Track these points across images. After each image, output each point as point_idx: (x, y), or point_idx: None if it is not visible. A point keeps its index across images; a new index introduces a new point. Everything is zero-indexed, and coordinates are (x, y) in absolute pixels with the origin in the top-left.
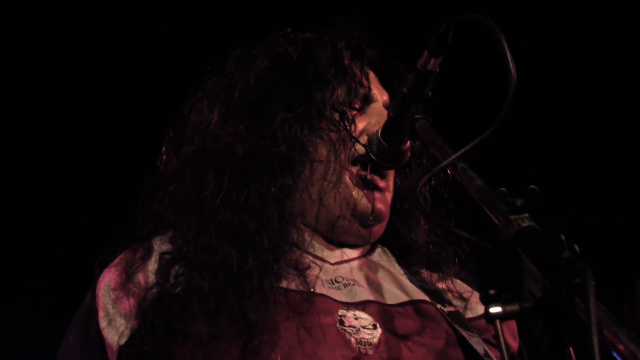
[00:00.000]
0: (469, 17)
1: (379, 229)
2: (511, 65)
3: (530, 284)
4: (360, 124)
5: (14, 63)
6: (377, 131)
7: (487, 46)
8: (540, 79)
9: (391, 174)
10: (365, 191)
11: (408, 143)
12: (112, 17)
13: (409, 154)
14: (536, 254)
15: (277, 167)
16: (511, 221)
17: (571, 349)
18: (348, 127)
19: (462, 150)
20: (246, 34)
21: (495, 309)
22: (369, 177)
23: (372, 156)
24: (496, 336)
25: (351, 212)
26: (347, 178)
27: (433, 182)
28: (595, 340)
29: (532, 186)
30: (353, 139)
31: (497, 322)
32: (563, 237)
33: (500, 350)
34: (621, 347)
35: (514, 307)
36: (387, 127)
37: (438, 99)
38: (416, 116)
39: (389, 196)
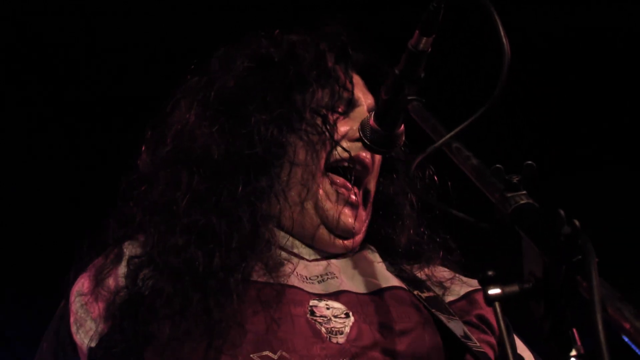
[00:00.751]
0: None
1: (356, 241)
2: (505, 42)
3: (530, 264)
4: (343, 128)
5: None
6: (369, 115)
7: (480, 24)
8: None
9: (372, 181)
10: (340, 206)
11: (402, 126)
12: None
13: (403, 138)
14: (535, 232)
15: (252, 169)
16: (508, 199)
17: (575, 331)
18: (329, 131)
19: (456, 130)
20: (236, 33)
21: (494, 291)
22: (342, 190)
23: (365, 141)
24: (497, 321)
25: (328, 223)
26: (322, 190)
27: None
28: (598, 318)
29: (529, 162)
30: (334, 142)
31: (496, 304)
32: (562, 212)
33: (500, 331)
34: (627, 325)
35: (514, 288)
36: (380, 110)
37: (431, 80)
38: (409, 97)
39: (363, 211)
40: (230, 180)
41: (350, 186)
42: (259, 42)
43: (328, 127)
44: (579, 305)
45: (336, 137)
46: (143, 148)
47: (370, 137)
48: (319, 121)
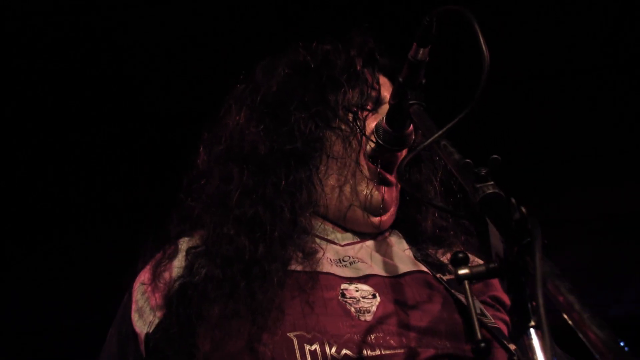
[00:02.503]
0: (447, 7)
1: (387, 219)
2: (485, 51)
3: (495, 246)
4: (373, 123)
5: None
6: (382, 119)
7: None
8: None
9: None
10: (376, 185)
11: (411, 127)
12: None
13: (413, 137)
14: (498, 218)
15: (293, 162)
16: (477, 189)
17: (534, 304)
18: (359, 126)
19: (442, 130)
20: (277, 46)
21: (463, 271)
22: (378, 170)
23: (379, 141)
24: (466, 296)
25: (361, 203)
26: (360, 172)
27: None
28: (539, 292)
29: (495, 156)
30: (363, 136)
31: (466, 282)
32: (513, 200)
33: (468, 307)
34: (561, 299)
35: (481, 269)
36: (390, 114)
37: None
38: (410, 102)
39: (395, 190)
40: (274, 174)
41: (381, 170)
42: (296, 51)
43: (359, 122)
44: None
45: (366, 131)
46: (200, 148)
47: (382, 138)
48: (350, 117)
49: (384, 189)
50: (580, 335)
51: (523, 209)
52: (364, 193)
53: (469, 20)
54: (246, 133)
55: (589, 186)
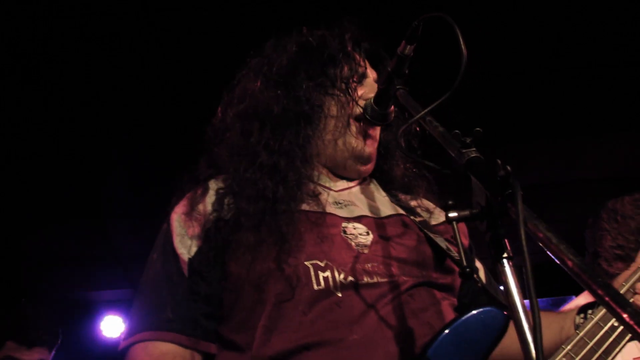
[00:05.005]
0: (433, 14)
1: (370, 167)
2: (463, 48)
3: (477, 197)
4: (359, 92)
5: None
6: (371, 99)
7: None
8: None
9: (378, 129)
10: (362, 139)
11: (392, 107)
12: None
13: (393, 115)
14: (481, 175)
15: (302, 121)
16: (463, 154)
17: (506, 240)
18: (351, 93)
19: (429, 108)
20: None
21: (452, 214)
22: (364, 128)
23: (367, 117)
24: (454, 234)
25: (351, 153)
26: (350, 130)
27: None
28: (522, 230)
29: (478, 128)
30: (355, 102)
31: (454, 223)
32: (499, 161)
33: (456, 242)
34: (540, 235)
35: (466, 213)
36: (378, 96)
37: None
38: (397, 87)
39: (376, 144)
40: (288, 130)
41: (366, 126)
42: (301, 34)
43: (350, 91)
44: (509, 223)
45: (355, 97)
46: (219, 108)
47: (370, 114)
48: (344, 87)
49: (368, 142)
50: (559, 262)
51: (508, 167)
52: (354, 145)
53: (450, 24)
54: (263, 96)
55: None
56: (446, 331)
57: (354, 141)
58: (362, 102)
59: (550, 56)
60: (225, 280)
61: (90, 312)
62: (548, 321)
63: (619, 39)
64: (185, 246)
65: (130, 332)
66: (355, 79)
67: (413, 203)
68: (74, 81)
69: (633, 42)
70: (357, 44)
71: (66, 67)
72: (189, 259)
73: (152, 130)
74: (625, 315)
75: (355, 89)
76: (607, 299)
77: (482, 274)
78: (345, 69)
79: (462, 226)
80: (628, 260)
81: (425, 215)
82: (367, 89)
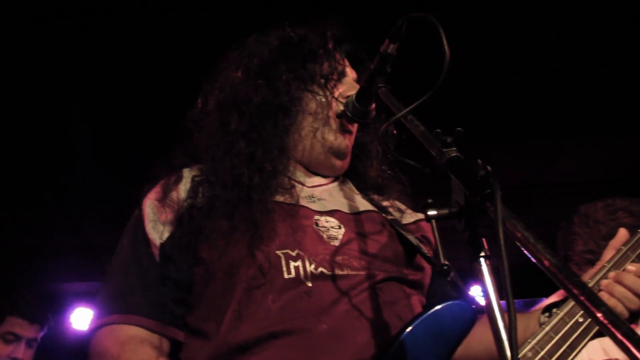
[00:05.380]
0: (416, 14)
1: (345, 163)
2: (446, 48)
3: (456, 196)
4: (338, 89)
5: None
6: (352, 96)
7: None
8: None
9: (356, 126)
10: (339, 134)
11: (374, 105)
12: None
13: (374, 113)
14: (461, 174)
15: (280, 113)
16: (444, 153)
17: (484, 239)
18: (330, 90)
19: (411, 107)
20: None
21: (431, 212)
22: (342, 124)
23: (348, 114)
24: (432, 232)
25: (328, 147)
26: (328, 125)
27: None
28: (500, 229)
29: (459, 128)
30: (335, 98)
31: (433, 221)
32: (480, 161)
33: (434, 238)
34: (518, 234)
35: (445, 211)
36: (360, 94)
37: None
38: (379, 85)
39: (352, 139)
40: (267, 120)
41: (345, 122)
42: (283, 29)
43: (329, 87)
44: (487, 223)
45: (335, 94)
46: (199, 99)
47: (351, 111)
48: (323, 83)
49: (346, 137)
50: (535, 262)
51: (488, 167)
52: (331, 139)
53: (434, 24)
54: (243, 87)
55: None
56: (419, 319)
57: (331, 136)
58: (341, 100)
59: (525, 59)
60: (197, 266)
61: (60, 304)
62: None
63: (593, 43)
64: (158, 231)
65: (98, 316)
66: (334, 77)
67: (385, 203)
68: (41, 67)
69: (608, 46)
70: (338, 44)
71: (30, 52)
72: (161, 244)
73: (123, 120)
74: (599, 315)
75: (334, 86)
76: (582, 298)
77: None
78: (325, 65)
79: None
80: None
81: (397, 214)
82: (346, 87)
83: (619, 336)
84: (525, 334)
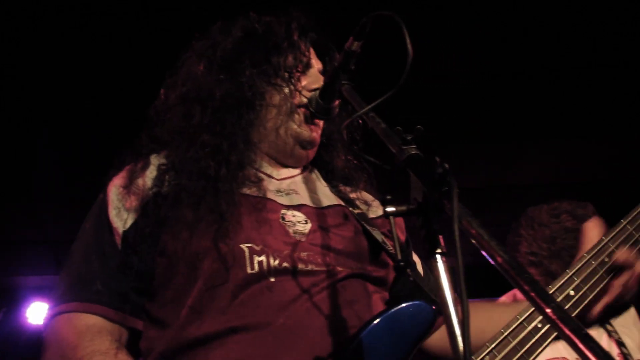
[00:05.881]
0: (381, 12)
1: (311, 153)
2: (409, 46)
3: (415, 193)
4: (303, 82)
5: None
6: (316, 93)
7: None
8: None
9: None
10: (305, 125)
11: (337, 102)
12: None
13: (337, 110)
14: (420, 172)
15: (243, 107)
16: (403, 150)
17: (440, 237)
18: (294, 83)
19: (372, 104)
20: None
21: (390, 208)
22: (307, 116)
23: (311, 110)
24: (390, 228)
25: (295, 138)
26: (293, 118)
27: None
28: (456, 226)
29: (419, 126)
30: (298, 92)
31: (391, 217)
32: (438, 159)
33: (392, 237)
34: (473, 231)
35: (403, 208)
36: (323, 90)
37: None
38: (343, 82)
39: (319, 130)
40: (230, 114)
41: (310, 115)
42: (248, 19)
43: (293, 80)
44: (444, 220)
45: (299, 87)
46: (162, 90)
47: (315, 108)
48: (287, 76)
49: (312, 128)
50: (489, 258)
51: (446, 165)
52: (297, 130)
53: (398, 23)
54: (206, 80)
55: None
56: (379, 319)
57: (297, 127)
58: (306, 92)
59: (488, 63)
60: (160, 256)
61: (16, 298)
62: (500, 310)
63: (555, 49)
64: (121, 219)
65: (56, 302)
66: (299, 69)
67: (353, 195)
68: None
69: (570, 52)
70: (304, 33)
71: None
72: (124, 231)
73: (85, 114)
74: (548, 310)
75: (299, 79)
76: (532, 294)
77: (419, 267)
78: (290, 58)
79: (400, 221)
80: (539, 267)
81: (364, 207)
82: (311, 80)
83: (567, 332)
84: (490, 323)
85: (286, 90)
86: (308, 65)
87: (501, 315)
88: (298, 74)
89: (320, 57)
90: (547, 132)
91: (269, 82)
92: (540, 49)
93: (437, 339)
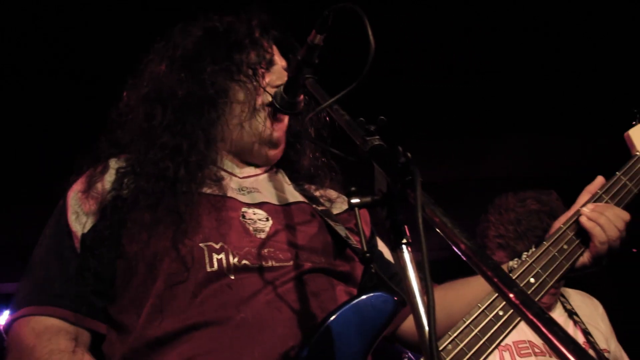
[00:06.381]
0: (343, 5)
1: (278, 152)
2: (371, 39)
3: (379, 184)
4: (267, 79)
5: None
6: (281, 87)
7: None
8: None
9: (286, 118)
10: (270, 124)
11: (302, 96)
12: None
13: (302, 104)
14: (383, 162)
15: (205, 105)
16: (367, 141)
17: (405, 227)
18: (258, 80)
19: (336, 97)
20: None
21: (354, 200)
22: (272, 114)
23: (276, 105)
24: (355, 220)
25: (259, 137)
26: (257, 115)
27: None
28: (419, 214)
29: (382, 117)
30: (262, 88)
31: (356, 209)
32: (400, 148)
33: (358, 230)
34: (437, 220)
35: (367, 199)
36: (287, 85)
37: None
38: (307, 76)
39: (284, 128)
40: (191, 113)
41: (274, 112)
42: (208, 19)
43: (257, 77)
44: (408, 209)
45: (263, 84)
46: (125, 92)
47: (280, 103)
48: (250, 73)
49: (278, 126)
50: (453, 246)
51: (408, 154)
52: (262, 129)
53: (360, 15)
54: (167, 80)
55: None
56: (342, 309)
57: (262, 126)
58: (270, 89)
59: (455, 60)
60: (119, 258)
61: None
62: (473, 284)
63: (519, 47)
64: (80, 223)
65: (16, 307)
66: (262, 66)
67: (317, 193)
68: None
69: (532, 50)
70: (266, 31)
71: None
72: (82, 235)
73: (51, 116)
74: (511, 295)
75: (263, 76)
76: (495, 279)
77: (388, 255)
78: (252, 54)
79: (365, 213)
80: (508, 249)
81: (327, 204)
82: (275, 76)
83: (530, 316)
84: (460, 301)
85: (250, 86)
86: (271, 62)
87: (475, 289)
88: (262, 71)
89: (284, 55)
90: (512, 128)
91: (232, 79)
92: (508, 45)
93: (407, 326)
